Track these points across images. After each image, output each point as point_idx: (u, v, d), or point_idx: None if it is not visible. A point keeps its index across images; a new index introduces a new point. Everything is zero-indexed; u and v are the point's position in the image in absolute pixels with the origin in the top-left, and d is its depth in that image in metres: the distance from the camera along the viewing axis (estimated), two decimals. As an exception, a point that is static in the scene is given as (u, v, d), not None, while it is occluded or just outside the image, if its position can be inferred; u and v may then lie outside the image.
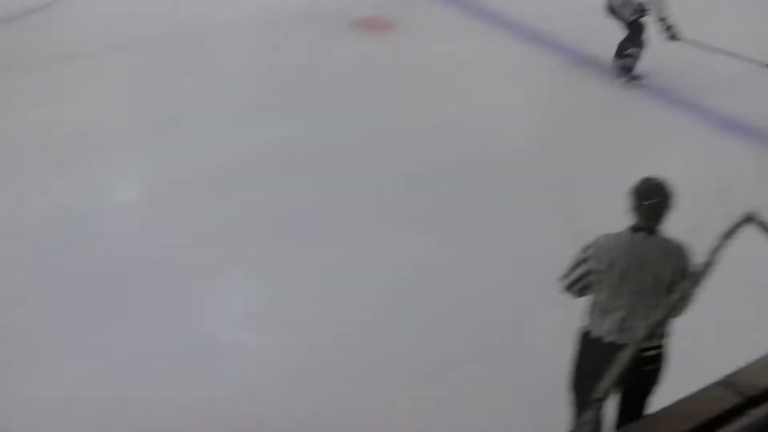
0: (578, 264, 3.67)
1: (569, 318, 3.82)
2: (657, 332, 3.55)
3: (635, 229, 3.60)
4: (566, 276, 3.72)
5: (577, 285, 3.69)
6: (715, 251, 2.83)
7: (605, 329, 3.59)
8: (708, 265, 2.89)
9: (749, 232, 2.71)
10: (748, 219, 2.76)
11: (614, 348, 3.31)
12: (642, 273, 3.54)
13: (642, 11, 7.24)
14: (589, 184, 5.94)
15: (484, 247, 5.40)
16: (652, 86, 7.40)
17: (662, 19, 7.19)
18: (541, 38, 8.06)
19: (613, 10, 7.31)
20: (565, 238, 4.25)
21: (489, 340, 4.67)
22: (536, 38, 8.06)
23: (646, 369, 3.59)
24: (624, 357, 2.58)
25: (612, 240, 3.60)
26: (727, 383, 2.54)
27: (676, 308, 3.55)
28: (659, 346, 3.61)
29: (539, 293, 4.61)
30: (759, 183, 5.44)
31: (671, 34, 7.21)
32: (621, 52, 7.42)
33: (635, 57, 7.36)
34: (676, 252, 3.57)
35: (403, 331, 4.75)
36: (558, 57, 7.86)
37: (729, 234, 2.76)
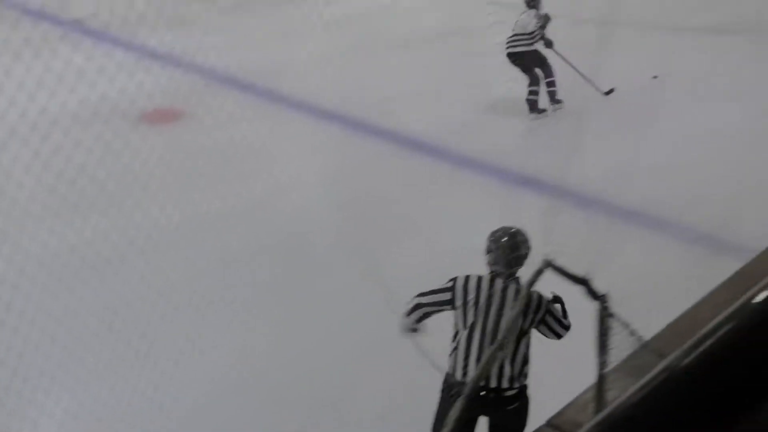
0: (440, 291, 3.73)
1: (398, 380, 3.83)
2: (515, 373, 3.62)
3: (495, 274, 3.71)
4: (424, 294, 3.75)
5: (425, 308, 3.73)
6: (523, 297, 2.95)
7: (464, 372, 3.62)
8: (519, 311, 3.01)
9: (549, 277, 2.85)
10: (547, 265, 2.91)
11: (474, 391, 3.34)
12: (498, 317, 3.62)
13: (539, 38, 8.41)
14: (396, 249, 6.05)
15: (303, 325, 5.34)
16: (442, 150, 7.74)
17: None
18: (334, 116, 8.23)
19: (516, 54, 8.37)
20: (379, 305, 4.29)
21: (321, 414, 4.61)
22: (330, 116, 8.22)
23: (509, 409, 3.64)
24: (458, 404, 2.61)
25: (475, 280, 3.69)
26: (553, 425, 2.62)
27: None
28: (522, 387, 3.67)
29: (364, 360, 4.61)
30: (550, 232, 5.78)
31: (547, 42, 8.49)
32: (534, 88, 8.51)
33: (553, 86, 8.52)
34: (530, 299, 3.64)
35: (229, 422, 4.60)
36: (353, 132, 8.06)
37: (532, 281, 2.89)
